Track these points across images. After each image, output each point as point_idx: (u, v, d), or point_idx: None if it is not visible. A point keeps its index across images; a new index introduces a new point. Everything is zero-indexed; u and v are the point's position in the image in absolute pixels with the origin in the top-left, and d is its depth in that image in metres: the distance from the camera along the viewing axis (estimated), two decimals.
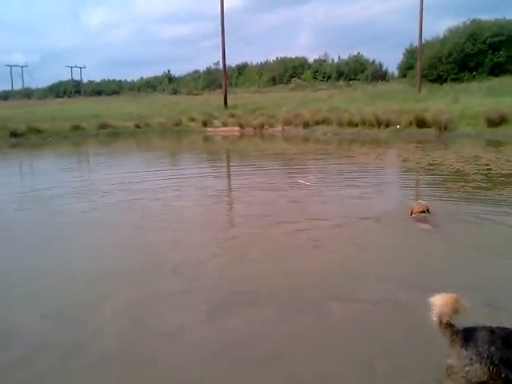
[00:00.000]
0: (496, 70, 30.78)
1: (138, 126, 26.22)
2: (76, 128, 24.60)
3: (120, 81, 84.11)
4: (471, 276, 4.06)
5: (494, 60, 31.19)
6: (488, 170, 9.30)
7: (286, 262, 4.62)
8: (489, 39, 31.28)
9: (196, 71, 74.83)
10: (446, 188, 7.86)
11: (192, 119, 26.99)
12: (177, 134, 24.18)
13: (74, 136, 23.36)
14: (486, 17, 37.17)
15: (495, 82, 26.47)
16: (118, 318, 3.53)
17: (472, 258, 4.53)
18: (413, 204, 6.02)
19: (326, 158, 13.05)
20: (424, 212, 5.75)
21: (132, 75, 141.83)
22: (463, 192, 7.39)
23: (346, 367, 2.79)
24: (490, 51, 31.38)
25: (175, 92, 58.60)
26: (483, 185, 7.83)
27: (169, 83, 71.62)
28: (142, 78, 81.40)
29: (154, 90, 69.42)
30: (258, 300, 3.75)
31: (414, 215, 5.80)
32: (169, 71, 76.17)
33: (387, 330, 3.23)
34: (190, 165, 13.40)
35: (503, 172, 8.96)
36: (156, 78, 77.17)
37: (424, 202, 5.94)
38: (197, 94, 50.84)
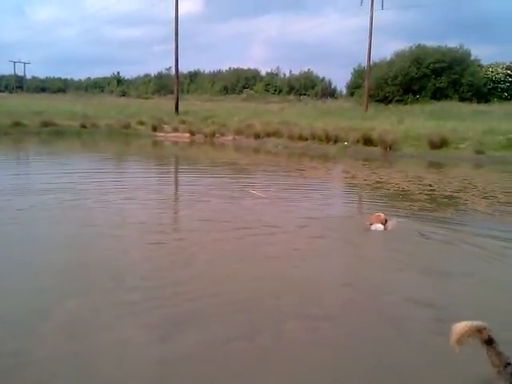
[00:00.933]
0: (438, 95, 32.48)
1: (83, 126, 25.36)
2: (17, 124, 23.40)
3: (66, 79, 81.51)
4: (417, 292, 4.18)
5: (436, 85, 32.91)
6: (431, 190, 9.71)
7: (239, 271, 4.56)
8: (432, 65, 32.98)
9: (147, 75, 73.90)
10: (393, 206, 8.12)
11: (141, 123, 26.46)
12: (125, 137, 23.58)
13: (15, 133, 22.19)
14: (431, 43, 39.05)
15: (437, 105, 27.91)
16: (56, 331, 3.29)
17: (418, 275, 4.67)
18: (372, 215, 6.21)
19: (277, 170, 13.16)
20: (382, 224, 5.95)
21: (79, 74, 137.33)
22: (409, 211, 7.65)
23: None
24: (433, 76, 33.08)
25: (124, 94, 57.40)
26: (428, 205, 8.14)
27: (117, 85, 70.10)
28: (89, 77, 79.47)
29: (102, 91, 67.72)
30: (211, 314, 3.64)
31: (371, 226, 6.00)
32: (118, 73, 74.61)
33: (345, 349, 3.24)
34: (138, 168, 13.08)
35: (445, 193, 9.38)
36: (104, 78, 75.31)
37: (382, 215, 6.10)
38: (147, 98, 50.01)
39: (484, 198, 8.93)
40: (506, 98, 33.40)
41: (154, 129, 25.21)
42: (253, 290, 4.14)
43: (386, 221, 6.03)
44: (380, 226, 5.95)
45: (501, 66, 34.85)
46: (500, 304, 3.96)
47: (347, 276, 4.70)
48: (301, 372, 2.91)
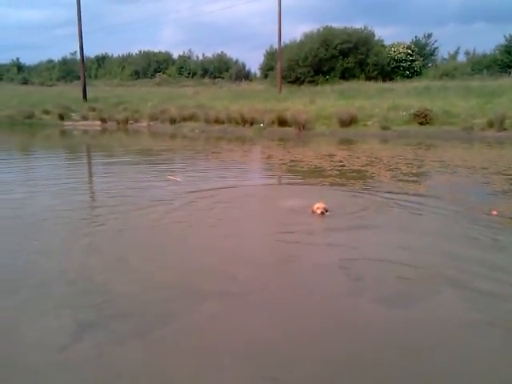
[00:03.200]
0: (346, 75, 33.77)
1: None
2: None
3: None
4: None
5: (344, 65, 34.20)
6: (341, 166, 10.19)
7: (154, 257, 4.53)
8: (339, 46, 34.14)
9: (50, 61, 69.22)
10: (307, 183, 8.45)
11: (47, 112, 24.93)
12: (29, 128, 22.08)
13: None
14: (337, 24, 40.52)
15: (345, 85, 29.02)
16: None
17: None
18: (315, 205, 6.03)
19: (195, 155, 13.07)
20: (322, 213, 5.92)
21: None
22: (322, 185, 8.01)
23: None
24: (341, 57, 34.30)
25: (26, 82, 53.37)
26: (338, 180, 8.55)
27: (18, 72, 64.95)
28: None
29: (1, 79, 62.46)
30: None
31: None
32: (18, 59, 68.99)
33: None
34: (45, 160, 12.30)
35: (354, 168, 9.90)
36: (3, 66, 69.30)
37: (322, 204, 5.99)
38: (51, 85, 47.06)
39: (389, 170, 9.54)
40: (407, 76, 35.56)
41: (61, 118, 23.88)
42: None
43: (323, 210, 5.93)
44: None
45: (402, 46, 36.95)
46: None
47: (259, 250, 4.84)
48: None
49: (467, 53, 42.39)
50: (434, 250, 4.76)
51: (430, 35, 43.23)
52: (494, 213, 6.16)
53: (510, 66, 34.96)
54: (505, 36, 37.58)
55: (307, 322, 3.34)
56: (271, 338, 3.09)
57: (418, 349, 2.99)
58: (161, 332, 3.15)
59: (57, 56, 70.88)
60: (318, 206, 5.98)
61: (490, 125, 16.41)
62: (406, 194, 7.32)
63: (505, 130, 16.12)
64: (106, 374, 2.72)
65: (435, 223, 5.77)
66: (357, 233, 5.35)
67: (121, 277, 4.08)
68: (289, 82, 33.44)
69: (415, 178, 8.67)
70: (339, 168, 9.86)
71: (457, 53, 43.50)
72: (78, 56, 31.76)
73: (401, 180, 8.45)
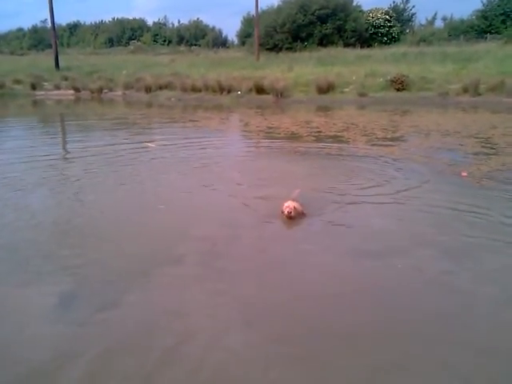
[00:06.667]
0: (324, 41, 33.43)
1: None
2: None
3: None
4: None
5: (322, 32, 33.78)
6: (318, 132, 10.23)
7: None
8: (317, 12, 33.62)
9: (20, 29, 66.83)
10: (282, 148, 8.48)
11: (18, 81, 24.12)
12: (0, 98, 21.41)
13: None
14: None
15: (324, 52, 28.79)
16: None
17: None
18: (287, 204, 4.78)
19: (171, 123, 12.91)
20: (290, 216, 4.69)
21: None
22: (297, 152, 8.06)
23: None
24: (319, 23, 33.84)
25: None
26: (314, 145, 8.60)
27: None
28: None
29: None
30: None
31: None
32: None
33: None
34: (20, 130, 12.00)
35: (330, 134, 9.95)
36: None
37: (292, 204, 4.77)
38: (22, 54, 45.39)
39: (364, 135, 9.63)
40: (385, 43, 35.45)
41: (33, 87, 23.19)
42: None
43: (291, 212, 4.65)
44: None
45: (380, 11, 36.61)
46: None
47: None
48: None
49: (444, 18, 42.42)
50: (404, 211, 4.90)
51: (408, 0, 42.93)
52: (464, 174, 6.33)
53: (486, 32, 35.06)
54: (482, 1, 37.55)
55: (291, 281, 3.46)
56: (255, 296, 3.19)
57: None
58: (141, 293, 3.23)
59: (27, 24, 68.44)
60: (287, 205, 4.70)
61: (465, 90, 16.59)
62: (379, 157, 7.43)
63: (479, 95, 16.33)
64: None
65: (406, 185, 5.91)
66: (327, 197, 5.44)
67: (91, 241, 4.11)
68: (267, 49, 32.97)
69: (389, 143, 8.78)
70: (316, 134, 9.90)
71: (434, 18, 43.51)
72: (49, 24, 30.70)
73: (375, 144, 8.56)
